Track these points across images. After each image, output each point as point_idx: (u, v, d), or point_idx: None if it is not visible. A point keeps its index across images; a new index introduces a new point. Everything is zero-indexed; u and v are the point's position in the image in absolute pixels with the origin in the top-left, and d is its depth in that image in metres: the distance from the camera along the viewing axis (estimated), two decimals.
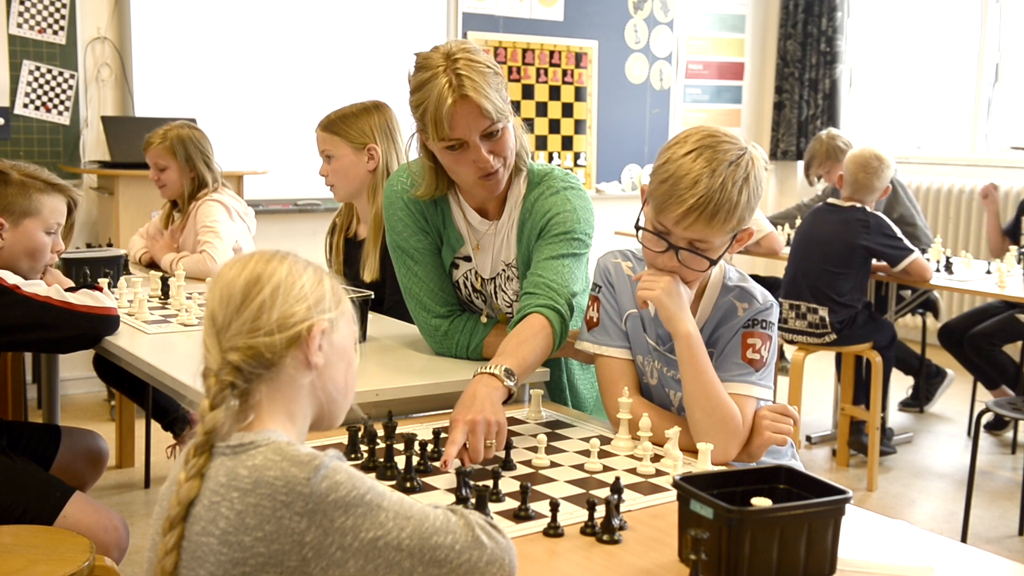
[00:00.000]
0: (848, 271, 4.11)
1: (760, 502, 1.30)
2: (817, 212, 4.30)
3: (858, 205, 4.13)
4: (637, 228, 1.84)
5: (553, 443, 1.85)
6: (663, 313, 1.82)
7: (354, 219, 3.06)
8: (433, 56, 2.00)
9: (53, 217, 2.55)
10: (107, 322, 2.41)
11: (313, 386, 1.32)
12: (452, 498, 1.53)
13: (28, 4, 4.82)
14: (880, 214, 4.15)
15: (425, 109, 1.99)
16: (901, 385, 5.24)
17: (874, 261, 4.17)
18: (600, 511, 1.46)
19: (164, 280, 3.01)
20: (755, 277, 2.08)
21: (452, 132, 1.98)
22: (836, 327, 4.11)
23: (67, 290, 2.44)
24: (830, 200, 4.29)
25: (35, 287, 2.34)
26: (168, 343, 2.47)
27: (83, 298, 2.39)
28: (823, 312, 4.12)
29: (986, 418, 4.38)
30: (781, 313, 4.19)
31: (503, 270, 2.24)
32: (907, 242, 4.15)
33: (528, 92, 6.30)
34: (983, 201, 5.09)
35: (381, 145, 2.93)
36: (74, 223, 2.66)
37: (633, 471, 1.71)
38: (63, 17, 4.90)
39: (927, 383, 5.17)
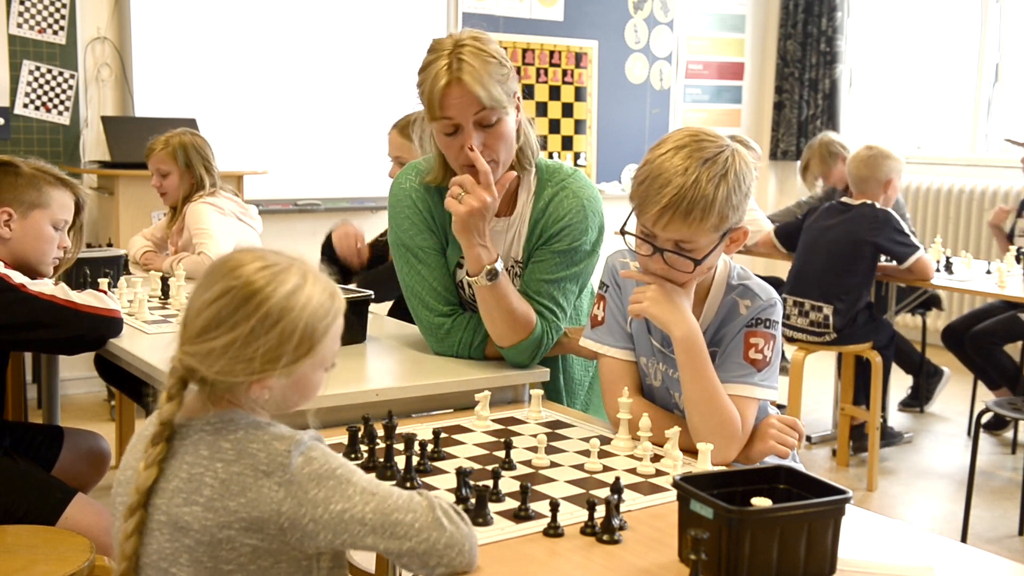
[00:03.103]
0: (856, 268, 4.09)
1: (760, 502, 1.30)
2: (828, 209, 4.29)
3: (868, 202, 4.13)
4: (623, 233, 1.84)
5: (553, 443, 1.85)
6: (656, 322, 1.81)
7: None
8: (444, 41, 2.07)
9: (61, 212, 2.54)
10: (110, 324, 2.40)
11: (265, 402, 1.37)
12: (452, 498, 1.53)
13: (28, 4, 4.82)
14: (890, 210, 4.15)
15: (424, 89, 2.05)
16: (901, 385, 5.24)
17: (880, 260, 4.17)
18: (600, 511, 1.46)
19: (164, 280, 3.01)
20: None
21: (443, 112, 2.02)
22: (838, 327, 4.10)
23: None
24: (843, 199, 4.28)
25: (40, 286, 2.34)
26: (168, 343, 2.46)
27: (87, 298, 2.38)
28: (827, 310, 4.10)
29: (986, 418, 4.38)
30: (784, 309, 4.18)
31: (511, 267, 2.25)
32: (914, 239, 4.15)
33: (528, 92, 6.30)
34: (994, 225, 4.91)
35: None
36: (83, 224, 2.65)
37: (633, 471, 1.71)
38: (63, 17, 4.90)
39: (925, 382, 5.17)
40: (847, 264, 4.10)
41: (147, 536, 1.31)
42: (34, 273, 2.50)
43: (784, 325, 4.15)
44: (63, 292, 2.35)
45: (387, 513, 1.27)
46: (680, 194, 1.69)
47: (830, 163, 5.06)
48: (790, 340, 4.28)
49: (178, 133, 3.64)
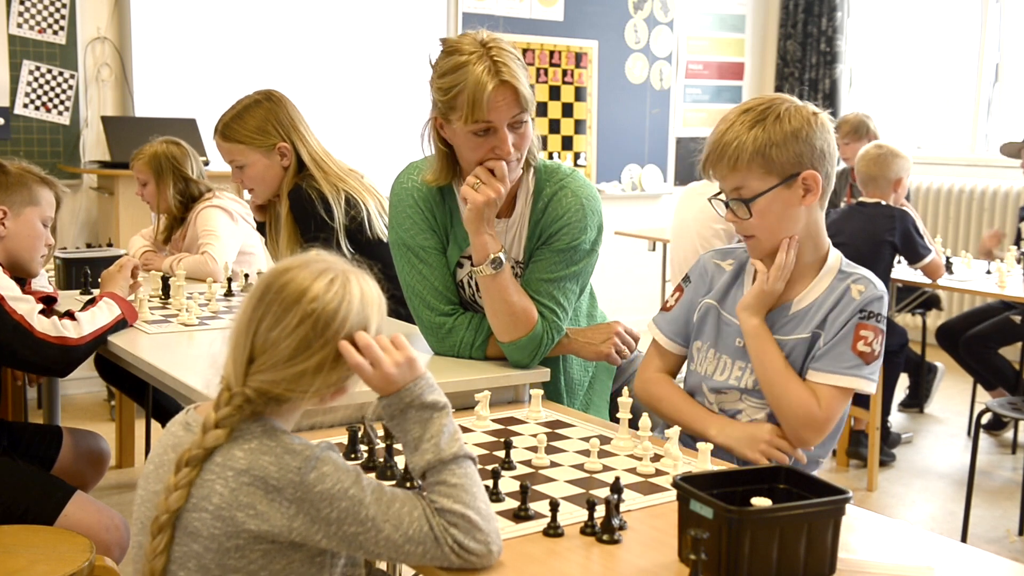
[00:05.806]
0: (875, 269, 4.07)
1: (760, 502, 1.30)
2: (848, 210, 4.28)
3: (882, 202, 4.13)
4: (711, 200, 1.95)
5: (553, 443, 1.85)
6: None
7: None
8: (465, 41, 2.07)
9: (49, 210, 2.60)
10: (63, 352, 2.34)
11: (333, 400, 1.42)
12: None
13: (28, 4, 4.82)
14: (907, 209, 4.15)
15: (460, 91, 2.02)
16: (899, 385, 5.23)
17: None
18: (600, 511, 1.46)
19: (164, 280, 3.01)
20: None
21: (488, 114, 2.01)
22: None
23: (85, 305, 2.45)
24: (860, 199, 4.27)
25: (16, 303, 2.32)
26: (168, 343, 2.47)
27: (47, 327, 2.34)
28: None
29: (985, 418, 4.37)
30: None
31: (512, 267, 2.24)
32: (928, 240, 4.15)
33: None
34: (986, 251, 4.85)
35: (289, 140, 2.85)
36: (55, 222, 2.68)
37: (633, 471, 1.71)
38: (63, 17, 4.90)
39: (924, 381, 5.16)
40: (866, 265, 4.06)
41: None
42: (26, 270, 2.55)
43: None
44: (29, 313, 2.32)
45: (399, 545, 1.29)
46: (718, 141, 1.84)
47: (852, 139, 5.04)
48: None
49: (157, 143, 3.65)
